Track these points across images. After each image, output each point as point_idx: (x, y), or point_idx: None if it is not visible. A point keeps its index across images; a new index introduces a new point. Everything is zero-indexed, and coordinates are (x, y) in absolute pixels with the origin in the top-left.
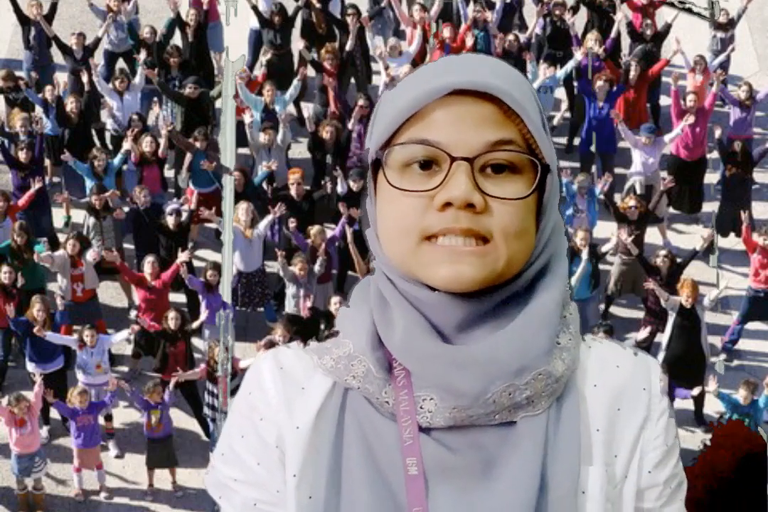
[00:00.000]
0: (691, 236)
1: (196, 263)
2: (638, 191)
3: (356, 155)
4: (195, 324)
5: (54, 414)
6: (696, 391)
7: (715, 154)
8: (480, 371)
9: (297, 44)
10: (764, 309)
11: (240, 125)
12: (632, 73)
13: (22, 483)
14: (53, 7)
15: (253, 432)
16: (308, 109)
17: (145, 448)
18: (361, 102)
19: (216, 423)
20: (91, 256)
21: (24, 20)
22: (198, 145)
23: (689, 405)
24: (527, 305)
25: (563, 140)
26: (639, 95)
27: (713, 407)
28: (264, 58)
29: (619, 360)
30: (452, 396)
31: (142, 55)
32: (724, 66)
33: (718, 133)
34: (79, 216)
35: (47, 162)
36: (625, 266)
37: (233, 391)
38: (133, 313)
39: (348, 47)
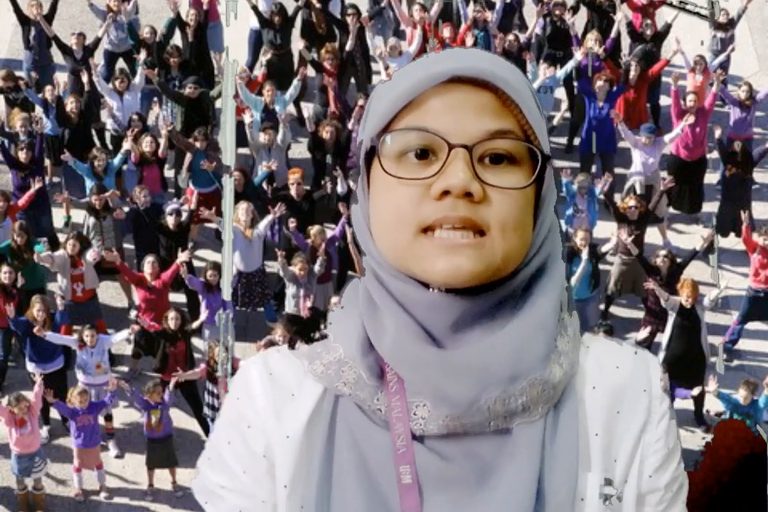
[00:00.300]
0: (691, 236)
1: (196, 263)
2: (638, 191)
3: (356, 156)
4: (195, 324)
5: (54, 414)
6: (696, 391)
7: (715, 154)
8: (473, 377)
9: (297, 44)
10: (764, 309)
11: (240, 125)
12: (632, 73)
13: (22, 483)
14: (53, 7)
15: (240, 440)
16: (308, 109)
17: (145, 448)
18: (361, 102)
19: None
20: (91, 256)
21: (24, 20)
22: (198, 145)
23: (689, 405)
24: (523, 308)
25: (563, 140)
26: (639, 95)
27: (713, 407)
28: (264, 58)
29: (618, 360)
30: (445, 404)
31: (142, 55)
32: (724, 66)
33: (718, 133)
34: (79, 216)
35: (47, 162)
36: (625, 266)
37: None
38: (133, 313)
39: (348, 47)
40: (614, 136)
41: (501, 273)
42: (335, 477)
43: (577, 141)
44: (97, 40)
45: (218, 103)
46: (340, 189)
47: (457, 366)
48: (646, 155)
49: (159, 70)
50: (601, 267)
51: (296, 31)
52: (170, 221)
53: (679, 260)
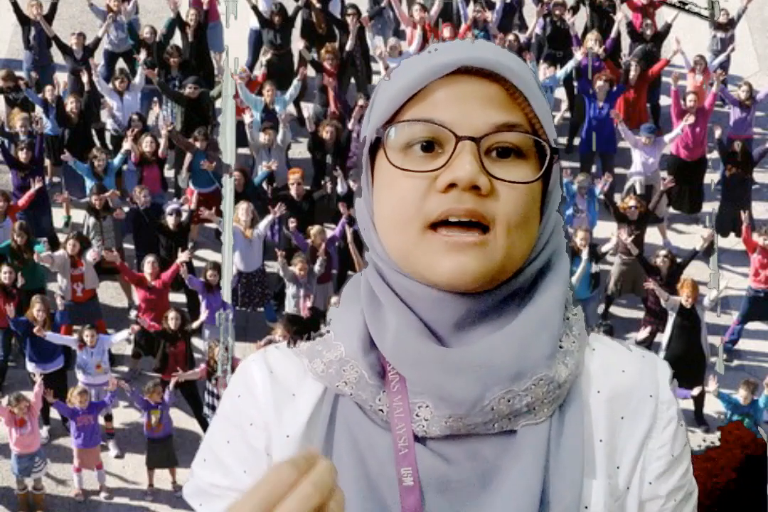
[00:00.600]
0: (691, 236)
1: (196, 263)
2: (638, 191)
3: (356, 155)
4: (195, 324)
5: (54, 414)
6: (696, 391)
7: (715, 154)
8: (476, 376)
9: (297, 44)
10: (764, 309)
11: (240, 125)
12: (632, 73)
13: (22, 483)
14: (53, 7)
15: (240, 438)
16: (308, 109)
17: (145, 448)
18: (361, 102)
19: None
20: (91, 256)
21: (24, 20)
22: (198, 145)
23: (689, 405)
24: (528, 305)
25: (563, 140)
26: (639, 95)
27: (713, 407)
28: (264, 58)
29: (625, 363)
30: (448, 404)
31: (142, 55)
32: (724, 66)
33: (718, 133)
34: (79, 216)
35: (47, 162)
36: (625, 266)
37: None
38: (133, 313)
39: (348, 47)
40: (614, 136)
41: (506, 271)
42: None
43: (577, 141)
44: (97, 40)
45: (218, 103)
46: (340, 189)
47: (460, 364)
48: (646, 155)
49: (159, 70)
50: (601, 267)
51: (296, 31)
52: (170, 221)
53: (679, 260)
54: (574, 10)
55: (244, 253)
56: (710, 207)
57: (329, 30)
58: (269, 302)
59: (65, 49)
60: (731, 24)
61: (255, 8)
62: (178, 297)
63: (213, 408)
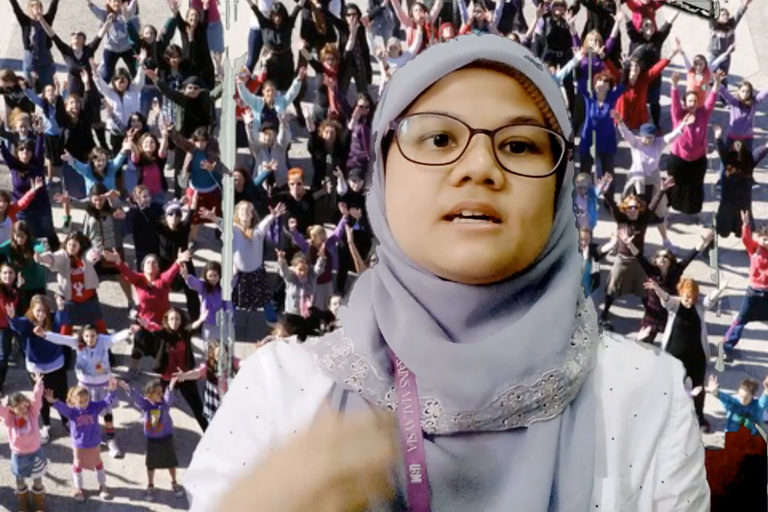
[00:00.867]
0: (691, 236)
1: (196, 263)
2: (638, 191)
3: (356, 155)
4: (195, 324)
5: (54, 414)
6: (696, 391)
7: (715, 154)
8: (485, 371)
9: (297, 44)
10: (764, 309)
11: (240, 125)
12: (632, 73)
13: (22, 483)
14: (53, 7)
15: (245, 430)
16: (308, 109)
17: (145, 448)
18: (361, 102)
19: None
20: (91, 256)
21: (24, 20)
22: (198, 145)
23: None
24: (539, 300)
25: None
26: (639, 95)
27: (713, 407)
28: (264, 58)
29: (638, 361)
30: (457, 401)
31: (142, 55)
32: (724, 66)
33: (718, 133)
34: (79, 216)
35: (47, 162)
36: (625, 266)
37: None
38: (133, 313)
39: (348, 47)
40: (614, 136)
41: (519, 263)
42: None
43: (577, 141)
44: (97, 40)
45: (218, 103)
46: (340, 189)
47: (470, 360)
48: (646, 155)
49: (159, 70)
50: (601, 267)
51: (296, 31)
52: (170, 221)
53: (679, 260)
54: (574, 10)
55: (244, 253)
56: (710, 207)
57: (329, 30)
58: (269, 302)
59: (65, 49)
60: (731, 24)
61: (255, 8)
62: (178, 297)
63: (213, 408)
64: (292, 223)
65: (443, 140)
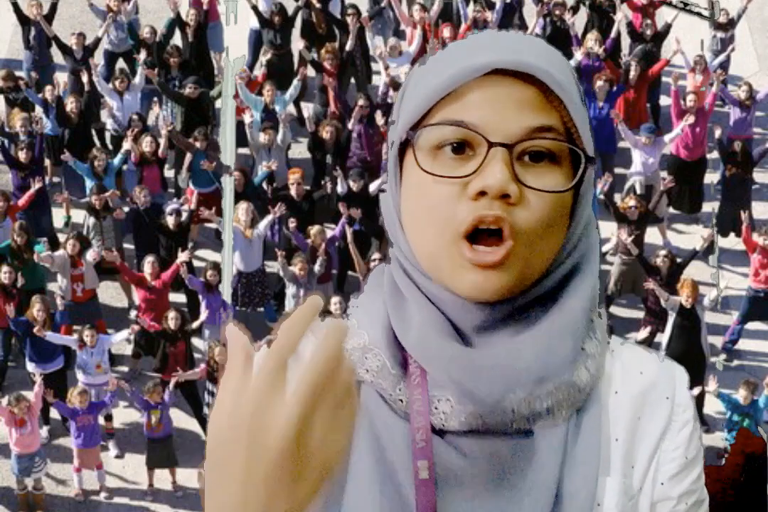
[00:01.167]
0: (691, 236)
1: (196, 263)
2: (638, 191)
3: (356, 155)
4: (195, 324)
5: (54, 414)
6: (696, 391)
7: (715, 154)
8: (499, 378)
9: (297, 44)
10: (764, 309)
11: (240, 125)
12: (632, 73)
13: (22, 483)
14: (53, 7)
15: None
16: (308, 109)
17: (145, 448)
18: (361, 102)
19: None
20: (91, 256)
21: (24, 20)
22: (198, 145)
23: None
24: (553, 308)
25: None
26: (639, 95)
27: (713, 407)
28: (264, 58)
29: (642, 366)
30: (469, 401)
31: (142, 55)
32: (724, 66)
33: (718, 133)
34: (79, 216)
35: (47, 162)
36: (625, 266)
37: None
38: (133, 313)
39: (348, 47)
40: (614, 136)
41: (527, 280)
42: (351, 463)
43: None
44: (97, 40)
45: (218, 103)
46: (340, 189)
47: (484, 364)
48: (646, 155)
49: (159, 70)
50: (602, 267)
51: (296, 31)
52: (170, 221)
53: (679, 260)
54: (574, 10)
55: (244, 253)
56: (710, 207)
57: (329, 30)
58: (269, 302)
59: (65, 49)
60: (731, 24)
61: (255, 8)
62: (178, 297)
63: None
64: (292, 223)
65: (460, 148)
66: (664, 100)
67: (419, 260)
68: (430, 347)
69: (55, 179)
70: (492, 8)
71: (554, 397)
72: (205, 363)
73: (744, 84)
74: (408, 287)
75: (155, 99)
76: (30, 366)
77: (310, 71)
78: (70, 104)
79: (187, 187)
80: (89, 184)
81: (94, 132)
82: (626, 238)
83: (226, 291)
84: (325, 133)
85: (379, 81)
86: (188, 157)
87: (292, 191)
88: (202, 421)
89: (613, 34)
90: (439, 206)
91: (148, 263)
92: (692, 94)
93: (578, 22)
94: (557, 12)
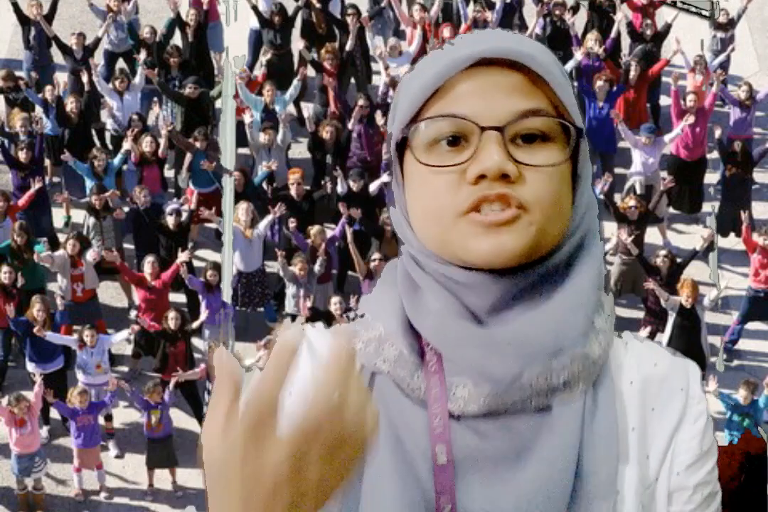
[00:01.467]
0: (691, 236)
1: (196, 263)
2: (638, 191)
3: (356, 155)
4: (195, 324)
5: (54, 414)
6: None
7: (715, 154)
8: (516, 353)
9: (297, 44)
10: (764, 309)
11: (240, 125)
12: (632, 73)
13: (22, 483)
14: (53, 7)
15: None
16: (308, 109)
17: (145, 448)
18: (361, 102)
19: None
20: (91, 256)
21: (24, 20)
22: (198, 145)
23: None
24: (563, 283)
25: None
26: (639, 95)
27: (713, 407)
28: (264, 58)
29: (657, 358)
30: (487, 381)
31: (142, 55)
32: (724, 66)
33: (718, 133)
34: (79, 216)
35: (47, 162)
36: (625, 266)
37: None
38: (133, 313)
39: (348, 47)
40: (614, 136)
41: (541, 248)
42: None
43: None
44: (97, 40)
45: (218, 103)
46: (340, 189)
47: (500, 342)
48: (646, 155)
49: (159, 70)
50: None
51: (296, 31)
52: (170, 221)
53: (679, 260)
54: (574, 10)
55: (244, 253)
56: (710, 207)
57: (329, 30)
58: (269, 302)
59: (65, 49)
60: (731, 24)
61: (255, 8)
62: (178, 297)
63: None
64: (292, 223)
65: (455, 141)
66: (664, 100)
67: (430, 248)
68: (448, 330)
69: (55, 179)
70: (492, 8)
71: (570, 370)
72: (205, 363)
73: (744, 84)
74: (422, 277)
75: (155, 99)
76: (30, 366)
77: (310, 71)
78: (70, 104)
79: (187, 187)
80: (89, 184)
81: (94, 132)
82: (626, 238)
83: (226, 291)
84: (325, 133)
85: (379, 81)
86: (188, 157)
87: (292, 191)
88: (202, 421)
89: (613, 34)
90: (441, 195)
91: (148, 263)
92: (692, 94)
93: (578, 22)
94: (557, 12)
